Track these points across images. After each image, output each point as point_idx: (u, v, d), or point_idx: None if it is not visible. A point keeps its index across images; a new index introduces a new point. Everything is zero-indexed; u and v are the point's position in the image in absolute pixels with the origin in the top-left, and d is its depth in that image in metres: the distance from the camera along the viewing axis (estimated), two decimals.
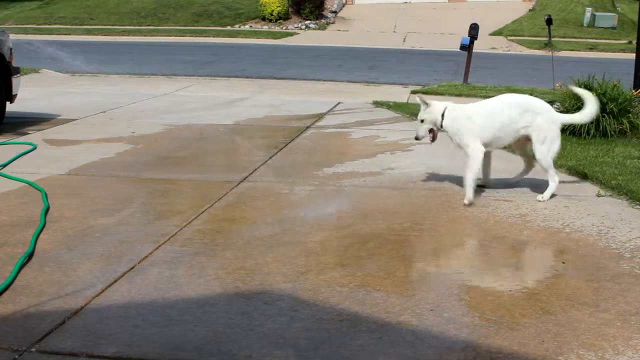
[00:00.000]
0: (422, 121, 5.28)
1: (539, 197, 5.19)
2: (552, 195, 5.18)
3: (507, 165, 5.92)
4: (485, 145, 5.16)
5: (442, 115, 5.21)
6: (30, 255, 3.81)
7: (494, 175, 5.53)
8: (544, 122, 5.12)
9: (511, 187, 5.48)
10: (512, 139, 5.25)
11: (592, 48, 23.20)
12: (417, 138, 5.36)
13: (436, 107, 5.24)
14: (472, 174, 5.06)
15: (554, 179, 5.20)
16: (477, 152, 5.09)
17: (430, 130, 5.29)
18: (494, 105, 5.25)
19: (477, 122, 5.13)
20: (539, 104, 5.23)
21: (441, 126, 5.23)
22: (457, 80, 13.41)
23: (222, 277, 3.62)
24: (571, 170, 6.00)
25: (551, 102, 8.60)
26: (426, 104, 5.25)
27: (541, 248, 4.16)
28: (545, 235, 4.38)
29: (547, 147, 5.12)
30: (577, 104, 7.69)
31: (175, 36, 24.12)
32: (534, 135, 5.13)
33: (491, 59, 18.85)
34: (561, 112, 7.89)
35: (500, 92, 11.85)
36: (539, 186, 5.53)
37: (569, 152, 6.68)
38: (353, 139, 7.58)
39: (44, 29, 25.30)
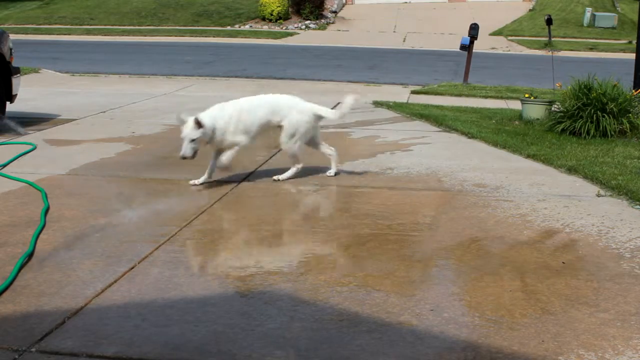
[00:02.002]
0: (192, 140, 5.21)
1: (275, 177, 5.58)
2: (289, 178, 5.57)
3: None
4: (252, 138, 5.50)
5: (213, 131, 5.30)
6: (30, 255, 3.80)
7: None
8: (293, 118, 5.52)
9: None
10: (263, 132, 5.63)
11: (592, 48, 23.22)
12: (184, 157, 5.24)
13: (207, 123, 5.24)
14: (226, 160, 5.40)
15: (296, 166, 5.63)
16: (243, 143, 5.44)
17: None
18: (251, 105, 5.53)
19: (242, 121, 5.40)
20: (287, 102, 5.61)
21: (212, 135, 5.31)
22: (457, 80, 13.43)
23: (222, 277, 3.61)
24: (571, 170, 6.00)
25: (551, 102, 8.62)
26: (200, 125, 5.19)
27: (541, 248, 4.15)
28: (545, 235, 4.38)
29: (294, 140, 5.54)
30: (577, 104, 7.70)
31: (175, 36, 24.13)
32: (284, 129, 5.54)
33: (491, 59, 18.86)
34: (561, 112, 7.92)
35: (500, 92, 11.94)
36: (538, 185, 5.54)
37: (569, 152, 6.68)
38: (353, 139, 7.58)
39: (44, 29, 25.31)
